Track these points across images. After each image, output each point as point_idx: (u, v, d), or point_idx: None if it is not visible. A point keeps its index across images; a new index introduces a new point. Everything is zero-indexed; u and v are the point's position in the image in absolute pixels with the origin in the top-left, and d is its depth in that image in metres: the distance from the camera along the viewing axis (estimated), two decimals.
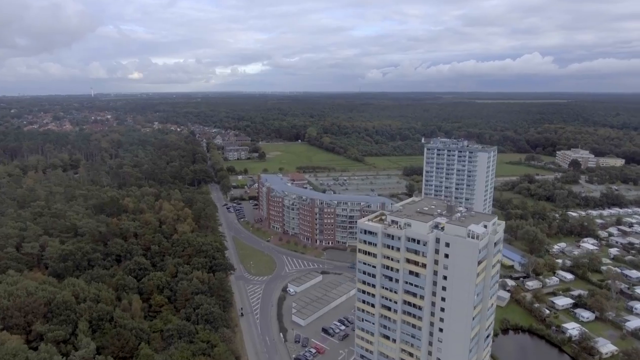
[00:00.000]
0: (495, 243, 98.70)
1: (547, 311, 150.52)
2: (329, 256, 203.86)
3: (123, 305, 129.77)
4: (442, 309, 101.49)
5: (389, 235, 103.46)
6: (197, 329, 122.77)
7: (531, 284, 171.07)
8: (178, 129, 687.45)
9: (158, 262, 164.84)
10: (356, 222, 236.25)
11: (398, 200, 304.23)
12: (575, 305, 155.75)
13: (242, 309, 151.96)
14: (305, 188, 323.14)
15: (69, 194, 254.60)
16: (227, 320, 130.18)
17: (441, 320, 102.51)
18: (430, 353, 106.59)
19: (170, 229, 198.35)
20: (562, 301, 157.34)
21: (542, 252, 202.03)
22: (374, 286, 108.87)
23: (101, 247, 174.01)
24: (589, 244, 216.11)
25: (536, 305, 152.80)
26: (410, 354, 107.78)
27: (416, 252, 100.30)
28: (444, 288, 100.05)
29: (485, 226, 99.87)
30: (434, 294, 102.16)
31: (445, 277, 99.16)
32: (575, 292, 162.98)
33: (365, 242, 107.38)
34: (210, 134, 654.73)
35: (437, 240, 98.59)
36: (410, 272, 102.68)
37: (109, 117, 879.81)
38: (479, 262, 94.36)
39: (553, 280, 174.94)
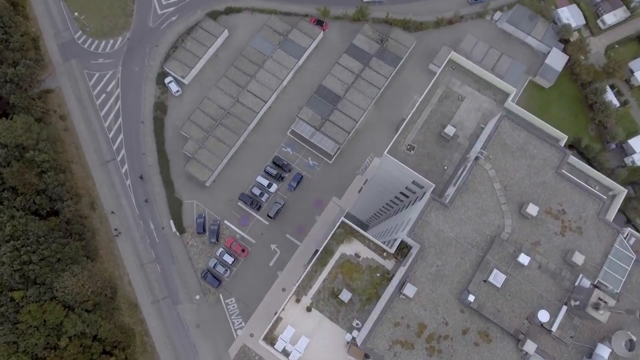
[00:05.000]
0: None
1: (616, 103, 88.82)
2: None
3: None
4: None
5: None
6: (16, 299, 69.72)
7: (610, 18, 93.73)
8: None
9: None
10: None
11: None
12: None
13: (117, 230, 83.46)
14: None
15: None
16: (75, 250, 72.86)
17: None
18: None
19: None
20: None
21: None
22: None
23: None
24: None
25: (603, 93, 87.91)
26: None
27: None
28: None
29: None
30: None
31: None
32: None
33: None
34: None
35: None
36: None
37: None
38: None
39: None
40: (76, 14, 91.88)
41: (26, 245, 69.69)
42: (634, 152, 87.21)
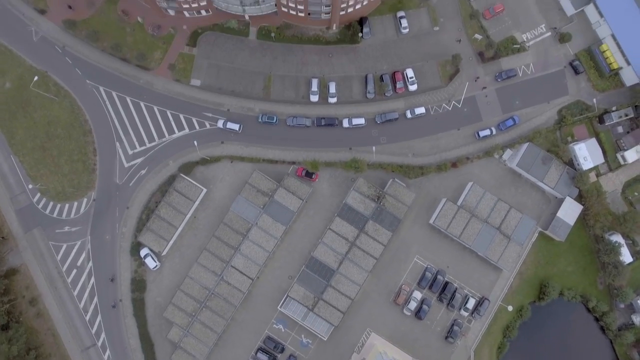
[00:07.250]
0: None
1: (628, 259, 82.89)
2: (211, 69, 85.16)
3: None
4: None
5: None
6: None
7: (632, 155, 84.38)
8: None
9: None
10: None
11: None
12: None
13: None
14: None
15: None
16: None
17: None
18: None
19: None
20: None
21: None
22: None
23: None
24: None
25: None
26: None
27: None
28: None
29: None
30: None
31: None
32: None
33: None
34: None
35: None
36: None
37: None
38: None
39: None
40: (30, 186, 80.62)
41: None
42: None
